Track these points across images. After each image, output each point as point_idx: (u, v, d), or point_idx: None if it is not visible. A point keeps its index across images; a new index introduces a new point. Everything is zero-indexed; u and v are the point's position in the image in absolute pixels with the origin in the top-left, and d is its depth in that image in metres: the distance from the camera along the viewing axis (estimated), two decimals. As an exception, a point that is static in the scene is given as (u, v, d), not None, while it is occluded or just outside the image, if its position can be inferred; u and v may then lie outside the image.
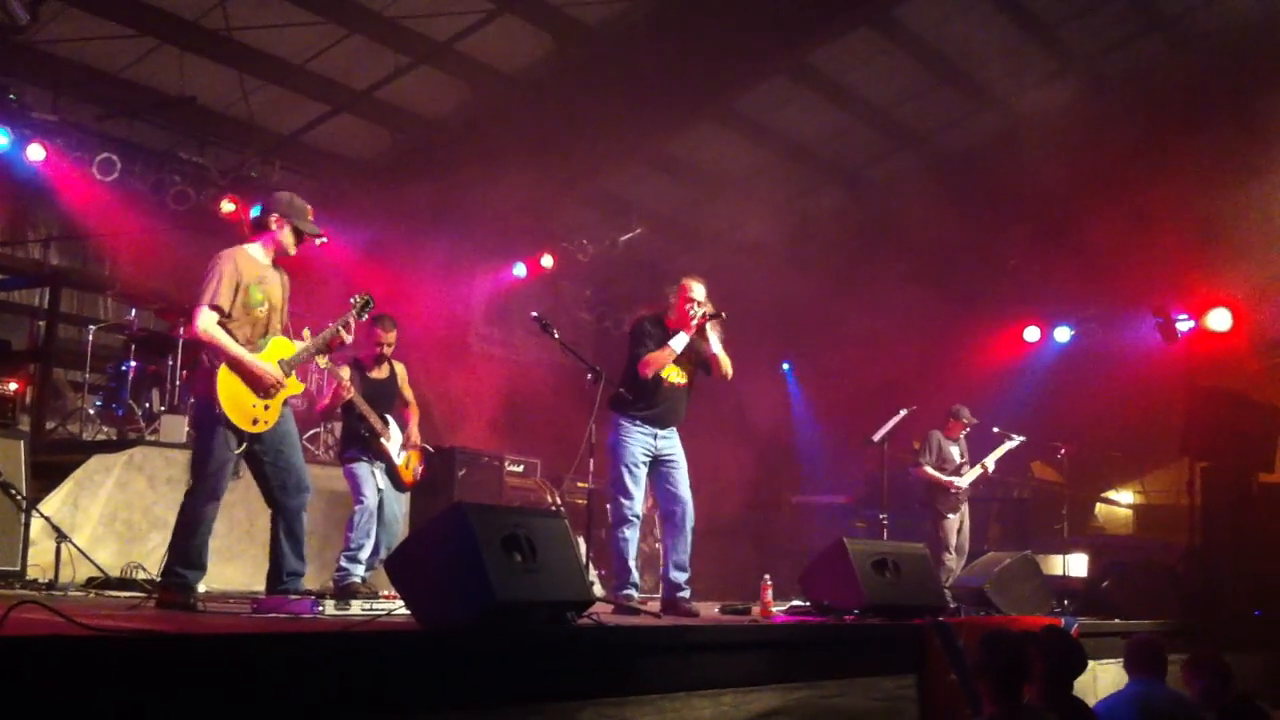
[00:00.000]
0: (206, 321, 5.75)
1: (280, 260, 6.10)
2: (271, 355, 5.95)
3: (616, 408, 7.20)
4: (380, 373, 7.84)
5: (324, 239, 6.27)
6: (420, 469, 8.09)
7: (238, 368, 5.78)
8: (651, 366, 7.08)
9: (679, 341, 7.09)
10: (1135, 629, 7.93)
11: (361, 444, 7.69)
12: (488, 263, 13.89)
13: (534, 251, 13.86)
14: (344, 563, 7.49)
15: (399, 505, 7.96)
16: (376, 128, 12.84)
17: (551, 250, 13.86)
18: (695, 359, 7.25)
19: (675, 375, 7.20)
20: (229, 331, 5.80)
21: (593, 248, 13.93)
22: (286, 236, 6.04)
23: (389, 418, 7.82)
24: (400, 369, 8.07)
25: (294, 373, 6.06)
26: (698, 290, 7.18)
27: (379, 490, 7.70)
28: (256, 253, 6.03)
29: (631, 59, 11.59)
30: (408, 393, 8.10)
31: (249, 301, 5.89)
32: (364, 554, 7.52)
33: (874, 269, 13.50)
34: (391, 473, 7.81)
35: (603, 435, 7.25)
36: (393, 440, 7.79)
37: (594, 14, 11.87)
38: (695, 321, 7.12)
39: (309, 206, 6.13)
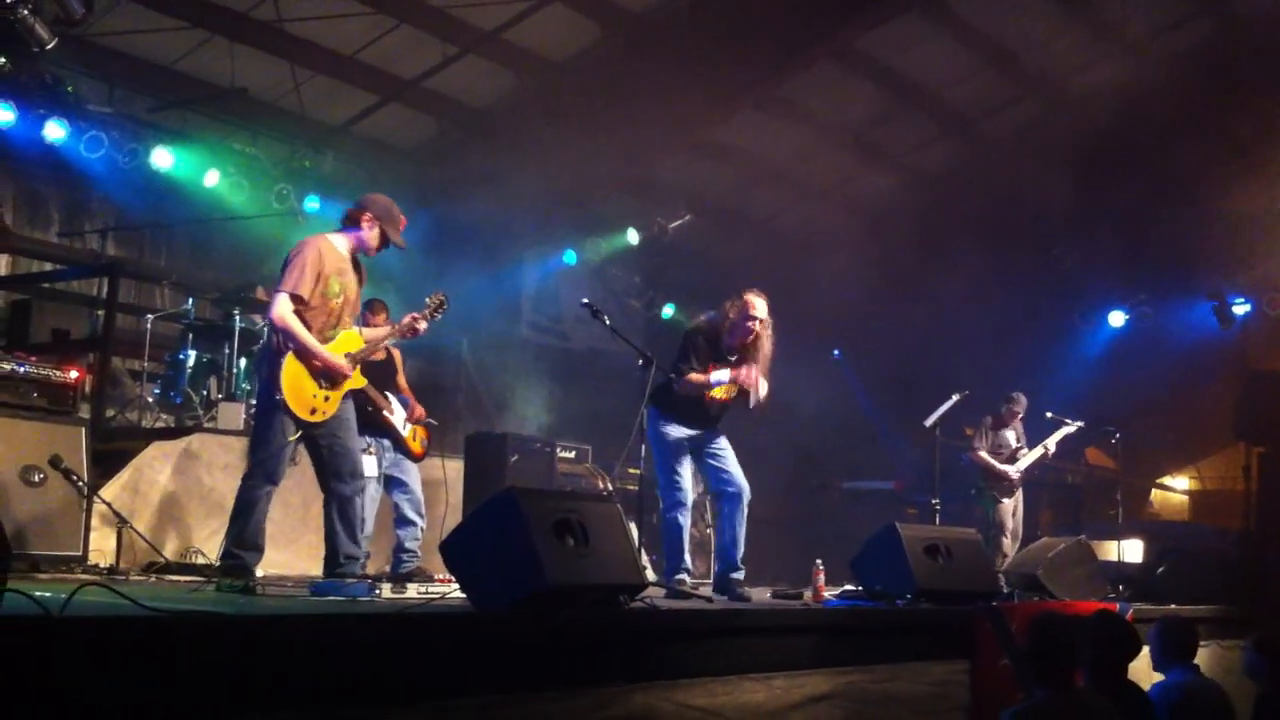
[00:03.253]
0: (283, 308, 5.82)
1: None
2: (339, 348, 6.03)
3: (654, 401, 7.03)
4: (378, 355, 7.84)
5: (404, 248, 6.33)
6: (426, 441, 8.15)
7: (306, 358, 5.85)
8: (685, 389, 6.93)
9: (719, 376, 6.92)
10: (1190, 614, 7.87)
11: (363, 420, 7.56)
12: (537, 249, 13.94)
13: (582, 238, 13.89)
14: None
15: (416, 474, 8.04)
16: (425, 117, 12.92)
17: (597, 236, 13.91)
18: (735, 389, 7.05)
19: (720, 393, 7.03)
20: (304, 321, 5.87)
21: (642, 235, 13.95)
22: (374, 238, 6.13)
23: (389, 394, 7.90)
24: (397, 355, 8.13)
25: (358, 367, 6.14)
26: (760, 307, 6.95)
27: (380, 476, 7.74)
28: (339, 244, 6.11)
29: (677, 46, 11.56)
30: (403, 380, 8.21)
31: (327, 292, 5.96)
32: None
33: (925, 253, 13.41)
34: (401, 445, 7.90)
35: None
36: (396, 414, 7.87)
37: (640, 1, 11.87)
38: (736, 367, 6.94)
39: (403, 218, 6.23)
